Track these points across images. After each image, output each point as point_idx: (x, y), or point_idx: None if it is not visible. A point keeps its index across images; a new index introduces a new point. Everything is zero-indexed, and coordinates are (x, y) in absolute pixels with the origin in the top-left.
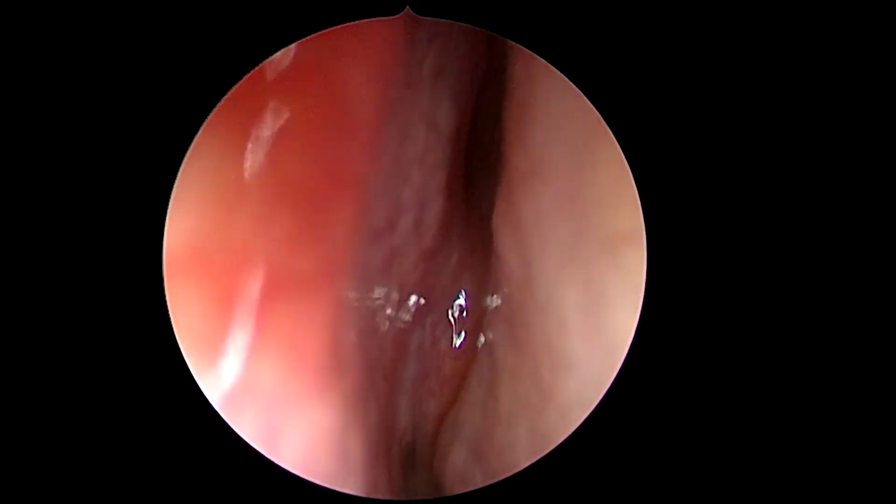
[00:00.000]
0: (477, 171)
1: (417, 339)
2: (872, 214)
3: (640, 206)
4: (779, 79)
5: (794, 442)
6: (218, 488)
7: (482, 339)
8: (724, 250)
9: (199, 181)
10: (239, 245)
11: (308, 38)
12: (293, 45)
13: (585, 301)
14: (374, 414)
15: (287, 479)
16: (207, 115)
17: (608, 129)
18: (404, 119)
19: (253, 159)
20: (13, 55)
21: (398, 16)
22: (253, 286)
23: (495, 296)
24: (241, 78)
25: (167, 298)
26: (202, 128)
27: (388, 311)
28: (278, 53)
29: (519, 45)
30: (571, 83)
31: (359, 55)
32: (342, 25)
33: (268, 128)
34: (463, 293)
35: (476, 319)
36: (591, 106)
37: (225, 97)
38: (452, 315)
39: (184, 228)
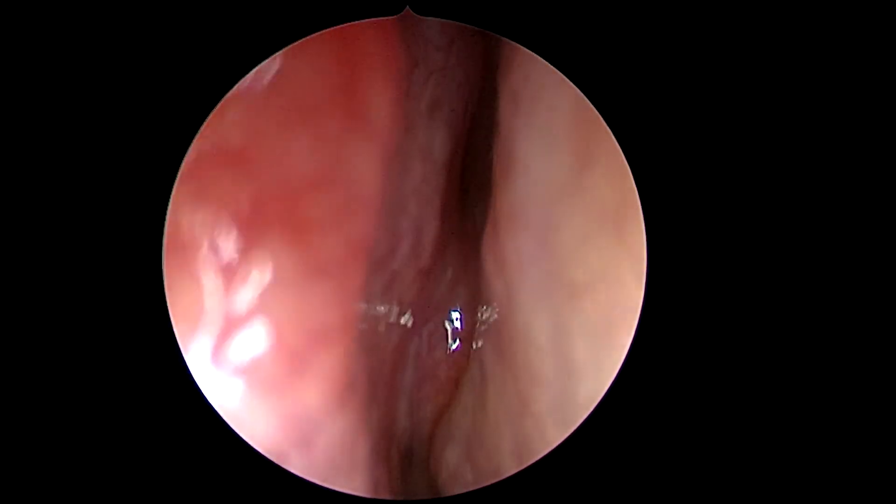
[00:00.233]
0: (469, 194)
1: (415, 348)
2: (872, 211)
3: (602, 257)
4: (778, 79)
5: (786, 451)
6: (225, 491)
7: (475, 345)
8: (714, 273)
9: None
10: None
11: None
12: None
13: (554, 333)
14: (376, 418)
15: (293, 483)
16: (204, 118)
17: (583, 180)
18: (404, 154)
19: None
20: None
21: (398, 15)
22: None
23: (486, 308)
24: (239, 78)
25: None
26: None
27: (390, 322)
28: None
29: (507, 77)
30: (559, 119)
31: (362, 112)
32: (342, 25)
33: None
34: (458, 309)
35: (468, 329)
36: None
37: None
38: (449, 325)
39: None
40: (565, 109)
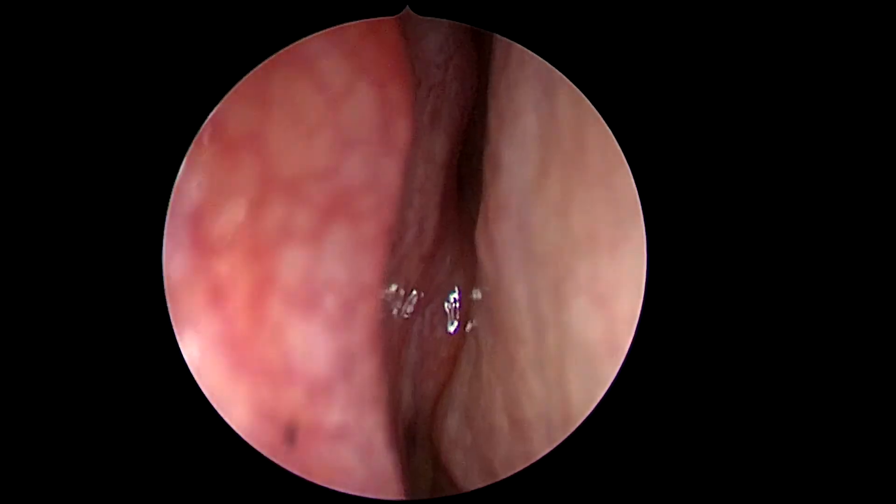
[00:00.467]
0: (464, 191)
1: (418, 327)
2: (873, 211)
3: (559, 232)
4: (776, 75)
5: (786, 451)
6: (228, 480)
7: (470, 324)
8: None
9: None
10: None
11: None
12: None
13: (529, 297)
14: (385, 395)
15: (291, 482)
16: (205, 116)
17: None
18: (412, 160)
19: None
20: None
21: (398, 15)
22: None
23: (478, 290)
24: (237, 80)
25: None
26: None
27: (398, 303)
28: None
29: (495, 97)
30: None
31: (390, 138)
32: (341, 25)
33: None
34: (457, 289)
35: (465, 308)
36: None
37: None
38: (448, 305)
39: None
40: (534, 134)
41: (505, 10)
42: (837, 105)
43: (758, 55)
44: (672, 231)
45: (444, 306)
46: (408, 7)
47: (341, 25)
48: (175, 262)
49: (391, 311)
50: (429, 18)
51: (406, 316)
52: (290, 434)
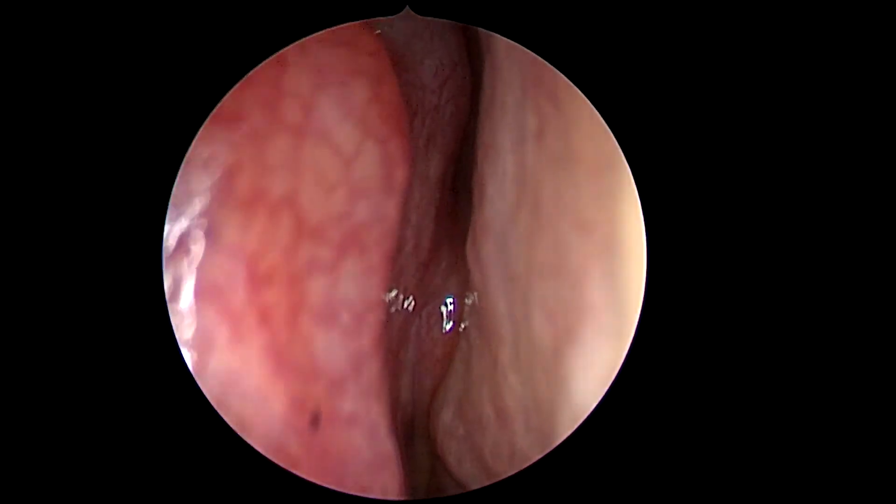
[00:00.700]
0: (457, 206)
1: (416, 328)
2: (872, 209)
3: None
4: (774, 72)
5: (786, 452)
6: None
7: (463, 325)
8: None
9: None
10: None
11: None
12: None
13: (508, 306)
14: (387, 390)
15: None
16: (202, 121)
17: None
18: (410, 181)
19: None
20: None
21: (398, 15)
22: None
23: (470, 294)
24: (234, 80)
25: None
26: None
27: (396, 306)
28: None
29: (479, 135)
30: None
31: (391, 172)
32: (341, 26)
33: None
34: (451, 294)
35: (458, 311)
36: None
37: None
38: (444, 308)
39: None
40: (510, 175)
41: (505, 9)
42: (836, 104)
43: (755, 53)
44: (669, 235)
45: (439, 309)
46: (408, 7)
47: (342, 25)
48: (236, 293)
49: (391, 312)
50: (430, 18)
51: (405, 317)
52: (315, 420)
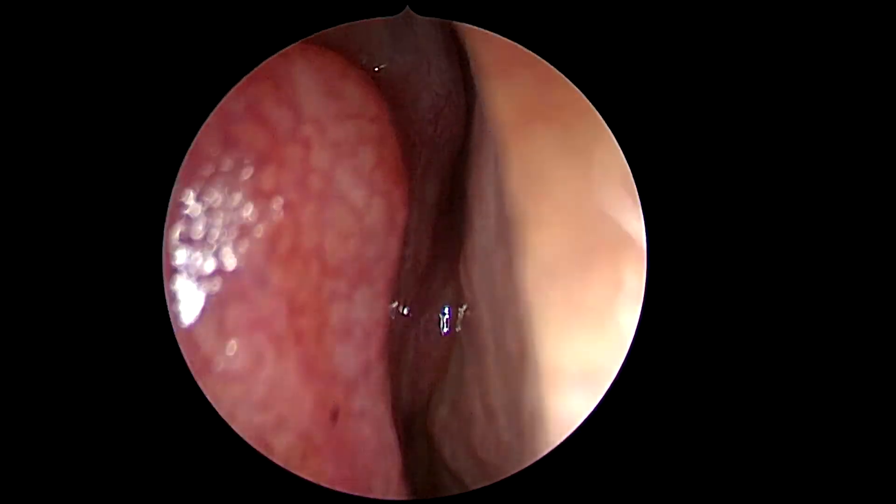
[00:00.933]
0: (451, 228)
1: (415, 333)
2: (872, 208)
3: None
4: (773, 70)
5: (786, 452)
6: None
7: (457, 330)
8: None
9: None
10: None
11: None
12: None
13: (491, 319)
14: (389, 390)
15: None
16: (201, 122)
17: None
18: (408, 206)
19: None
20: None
21: (398, 15)
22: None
23: (463, 306)
24: (235, 81)
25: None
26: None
27: (398, 314)
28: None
29: (469, 178)
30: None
31: (390, 203)
32: (341, 26)
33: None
34: (447, 307)
35: (453, 320)
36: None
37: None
38: (441, 316)
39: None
40: (493, 213)
41: (505, 9)
42: (834, 103)
43: (755, 52)
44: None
45: (436, 316)
46: (408, 7)
47: (341, 26)
48: (275, 321)
49: (392, 320)
50: (428, 18)
51: (405, 323)
52: (334, 415)
